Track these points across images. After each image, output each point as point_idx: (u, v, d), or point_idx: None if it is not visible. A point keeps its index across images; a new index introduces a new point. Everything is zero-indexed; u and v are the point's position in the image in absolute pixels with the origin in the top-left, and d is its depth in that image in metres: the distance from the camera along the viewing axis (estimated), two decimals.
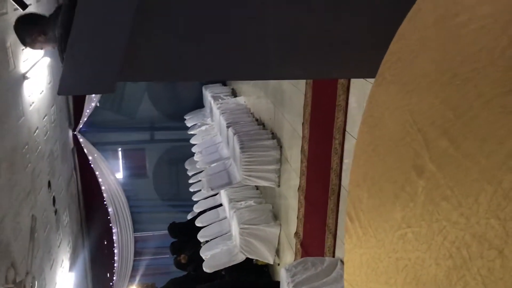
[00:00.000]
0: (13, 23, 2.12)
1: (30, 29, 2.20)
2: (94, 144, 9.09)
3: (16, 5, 1.69)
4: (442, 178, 0.96)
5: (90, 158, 8.92)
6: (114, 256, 9.50)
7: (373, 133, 1.28)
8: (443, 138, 0.96)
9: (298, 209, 4.78)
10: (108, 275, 9.51)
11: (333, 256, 3.70)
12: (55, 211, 6.77)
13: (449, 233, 0.95)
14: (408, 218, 1.11)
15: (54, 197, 6.74)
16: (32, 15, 2.23)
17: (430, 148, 1.02)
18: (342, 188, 3.64)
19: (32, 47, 2.27)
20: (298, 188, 4.71)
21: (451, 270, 0.93)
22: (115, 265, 9.55)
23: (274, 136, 5.62)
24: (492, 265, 0.87)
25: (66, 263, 7.34)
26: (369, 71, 1.63)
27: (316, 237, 4.14)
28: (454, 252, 0.94)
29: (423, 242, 1.05)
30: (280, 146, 5.39)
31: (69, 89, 1.73)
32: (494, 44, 0.83)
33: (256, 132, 5.69)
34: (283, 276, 3.54)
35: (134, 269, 9.95)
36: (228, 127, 5.96)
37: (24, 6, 1.73)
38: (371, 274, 1.34)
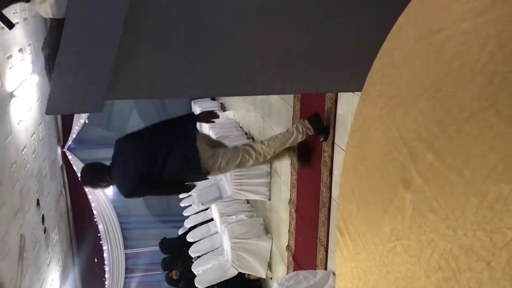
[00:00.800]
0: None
1: (95, 177, 3.39)
2: (83, 161, 9.02)
3: (2, 24, 1.69)
4: (429, 191, 0.97)
5: (79, 175, 8.84)
6: (105, 274, 9.39)
7: (360, 147, 1.29)
8: (428, 152, 0.98)
9: (290, 222, 4.77)
10: None
11: (325, 269, 3.70)
12: (44, 230, 6.70)
13: (438, 245, 0.96)
14: (397, 231, 1.12)
15: (43, 216, 6.67)
16: (97, 166, 3.50)
17: (416, 161, 1.03)
18: (332, 200, 3.65)
19: (94, 188, 3.71)
20: (289, 201, 4.72)
21: (441, 282, 0.94)
22: (106, 282, 9.43)
23: None
24: (480, 277, 0.88)
25: (56, 282, 7.24)
26: (355, 85, 1.65)
27: (308, 250, 4.13)
28: (443, 264, 0.95)
29: (412, 254, 1.06)
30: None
31: (57, 108, 1.73)
32: (474, 60, 0.85)
33: None
34: None
35: (126, 286, 9.82)
36: (217, 138, 5.96)
37: (10, 26, 1.72)
38: (363, 287, 1.34)
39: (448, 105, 0.91)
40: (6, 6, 1.74)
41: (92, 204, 9.06)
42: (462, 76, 0.88)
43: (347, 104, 3.29)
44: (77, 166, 8.85)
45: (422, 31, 1.01)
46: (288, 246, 4.84)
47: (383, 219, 1.18)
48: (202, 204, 5.81)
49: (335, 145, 3.51)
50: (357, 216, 1.36)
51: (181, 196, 8.19)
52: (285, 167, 4.82)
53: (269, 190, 5.46)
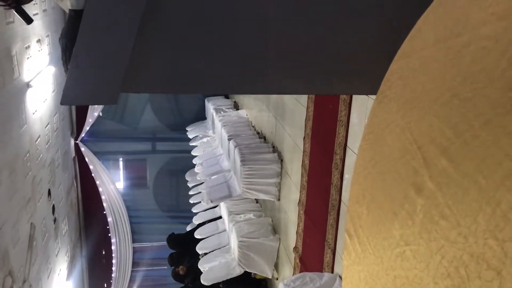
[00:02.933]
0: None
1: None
2: (96, 154, 9.10)
3: (21, 19, 1.70)
4: (441, 197, 0.96)
5: (91, 167, 8.93)
6: (112, 266, 9.46)
7: (373, 150, 1.28)
8: (442, 157, 0.97)
9: (298, 223, 4.76)
10: (106, 286, 9.46)
11: (332, 272, 3.68)
12: (54, 220, 6.76)
13: (447, 252, 0.95)
14: (407, 236, 1.11)
15: (53, 206, 6.73)
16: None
17: (429, 166, 1.02)
18: (342, 203, 3.63)
19: None
20: (298, 202, 4.70)
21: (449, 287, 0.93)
22: (112, 275, 9.50)
23: (275, 149, 5.63)
24: (490, 286, 0.86)
25: (63, 272, 7.31)
26: (371, 88, 1.64)
27: (315, 252, 4.12)
28: (452, 272, 0.93)
29: (421, 260, 1.05)
30: (281, 160, 5.39)
31: (72, 99, 1.74)
32: (494, 65, 0.84)
33: (257, 145, 5.70)
34: None
35: (132, 280, 9.89)
36: (229, 139, 5.97)
37: (29, 21, 1.73)
38: None
39: (464, 110, 0.90)
40: (28, 2, 1.76)
41: (103, 197, 9.13)
42: (480, 81, 0.86)
43: (361, 107, 3.27)
44: (89, 158, 8.93)
45: (441, 34, 1.00)
46: (295, 247, 4.82)
47: (393, 223, 1.16)
48: (211, 202, 5.82)
49: (347, 148, 3.49)
50: (367, 219, 1.34)
51: (190, 192, 8.23)
52: (295, 168, 4.81)
53: (279, 190, 5.45)
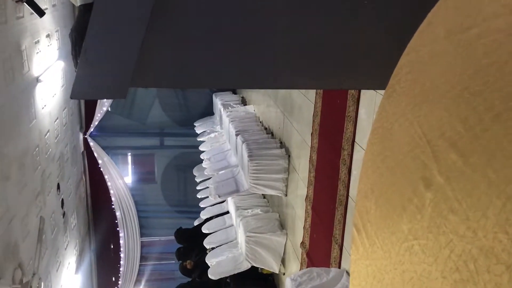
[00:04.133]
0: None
1: None
2: (104, 148, 9.15)
3: (33, 11, 1.72)
4: (450, 191, 0.95)
5: (99, 162, 8.98)
6: (120, 260, 9.52)
7: (382, 144, 1.27)
8: (451, 151, 0.96)
9: (305, 219, 4.76)
10: (114, 279, 9.53)
11: (339, 267, 3.68)
12: (63, 214, 6.82)
13: (456, 246, 0.94)
14: (415, 230, 1.10)
15: (62, 200, 6.79)
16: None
17: (438, 160, 1.02)
18: (349, 199, 3.62)
19: None
20: (306, 198, 4.70)
21: (458, 283, 0.92)
22: (121, 269, 9.57)
23: (282, 145, 5.62)
24: (499, 280, 0.86)
25: (72, 265, 7.37)
26: (380, 83, 1.63)
27: (322, 248, 4.12)
28: (461, 266, 0.93)
29: (430, 254, 1.04)
30: (288, 155, 5.39)
31: (81, 93, 1.75)
32: (506, 58, 0.83)
33: (265, 141, 5.70)
34: (288, 285, 3.52)
35: (140, 274, 9.95)
36: (237, 135, 5.98)
37: (41, 13, 1.75)
38: (377, 286, 1.33)
39: (475, 104, 0.89)
40: None
41: (111, 191, 9.18)
42: (491, 74, 0.86)
43: (370, 103, 3.26)
44: (98, 153, 8.98)
45: (452, 28, 0.99)
46: (302, 243, 4.83)
47: (401, 217, 1.16)
48: (219, 197, 5.83)
49: (355, 143, 3.48)
50: (375, 214, 1.34)
51: (198, 187, 8.26)
52: (303, 164, 4.81)
53: (286, 186, 5.45)
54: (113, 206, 9.27)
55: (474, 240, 0.89)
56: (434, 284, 1.03)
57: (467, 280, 0.91)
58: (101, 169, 9.02)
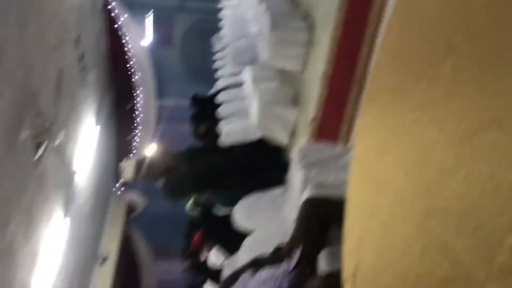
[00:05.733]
0: None
1: None
2: (125, 5, 8.90)
3: None
4: (472, 59, 0.90)
5: (119, 19, 8.81)
6: (137, 121, 9.82)
7: (410, 8, 1.18)
8: (481, 17, 0.89)
9: (320, 95, 4.75)
10: (131, 137, 9.92)
11: (347, 144, 3.75)
12: (83, 67, 6.87)
13: (468, 115, 0.92)
14: (428, 99, 1.07)
15: (82, 53, 6.79)
16: None
17: (468, 27, 0.95)
18: (368, 75, 3.56)
19: None
20: (323, 74, 4.63)
21: (463, 153, 0.91)
22: (137, 130, 9.91)
23: (307, 17, 5.39)
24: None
25: (91, 119, 7.63)
26: None
27: (333, 124, 4.17)
28: (471, 135, 0.91)
29: (439, 123, 1.02)
30: (312, 29, 5.19)
31: None
32: None
33: (289, 11, 5.46)
34: (294, 155, 3.62)
35: (155, 136, 10.33)
36: (260, 1, 5.71)
37: None
38: (380, 155, 1.34)
39: None
40: None
41: (130, 51, 9.14)
42: None
43: None
44: (118, 10, 8.76)
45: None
46: (313, 119, 4.87)
47: (416, 85, 1.12)
48: (236, 65, 5.77)
49: (381, 20, 3.32)
50: (389, 83, 1.30)
51: (216, 56, 8.15)
52: (325, 39, 4.65)
53: (305, 60, 5.34)
54: (131, 66, 9.30)
55: (489, 109, 0.86)
56: (439, 154, 1.02)
57: (475, 150, 0.89)
58: (121, 27, 8.88)
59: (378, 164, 1.31)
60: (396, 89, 1.22)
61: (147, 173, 4.51)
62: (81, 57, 6.71)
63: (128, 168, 4.53)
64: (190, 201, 7.67)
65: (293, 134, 5.73)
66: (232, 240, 5.18)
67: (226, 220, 5.87)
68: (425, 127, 1.03)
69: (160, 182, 4.57)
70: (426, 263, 1.02)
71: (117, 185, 10.35)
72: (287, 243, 2.99)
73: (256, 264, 3.04)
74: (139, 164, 4.55)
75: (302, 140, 5.42)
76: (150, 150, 8.56)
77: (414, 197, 1.07)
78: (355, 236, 1.52)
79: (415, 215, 1.04)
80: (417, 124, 1.07)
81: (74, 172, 6.71)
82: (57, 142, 4.76)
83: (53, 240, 5.31)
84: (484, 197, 0.83)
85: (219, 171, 4.65)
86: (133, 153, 9.79)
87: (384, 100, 1.32)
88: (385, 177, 1.23)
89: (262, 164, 4.88)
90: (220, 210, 5.99)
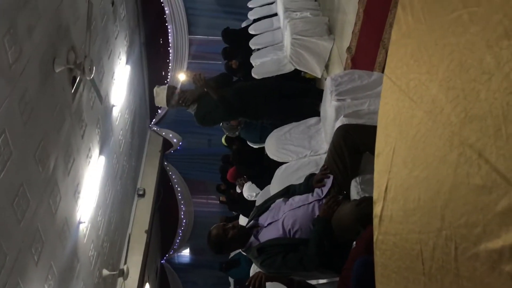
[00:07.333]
0: None
1: None
2: None
3: None
4: None
5: None
6: (169, 55, 9.77)
7: None
8: None
9: (355, 23, 4.55)
10: (163, 73, 9.93)
11: (382, 72, 3.61)
12: (112, 2, 6.79)
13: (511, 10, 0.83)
14: None
15: None
16: None
17: None
18: None
19: None
20: (359, 0, 4.41)
21: (503, 50, 0.84)
22: (169, 65, 9.89)
23: None
24: None
25: (123, 55, 7.63)
26: None
27: (369, 52, 4.01)
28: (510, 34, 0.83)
29: (478, 23, 0.94)
30: None
31: None
32: None
33: None
34: (327, 84, 3.54)
35: (188, 70, 10.28)
36: None
37: None
38: (413, 65, 1.26)
39: None
40: None
41: None
42: None
43: None
44: None
45: None
46: (349, 48, 4.70)
47: None
48: None
49: None
50: None
51: None
52: None
53: None
54: (161, 1, 9.14)
55: None
56: (475, 55, 0.95)
57: None
58: None
59: (411, 76, 1.23)
60: None
61: (179, 99, 4.52)
62: None
63: (161, 93, 4.55)
64: (224, 137, 7.75)
65: (328, 63, 5.58)
66: (263, 175, 5.23)
67: (258, 155, 5.91)
68: (466, 25, 0.95)
69: (193, 109, 4.58)
70: (462, 171, 0.97)
71: (152, 122, 10.53)
72: (320, 170, 2.99)
73: (289, 192, 3.07)
74: (172, 90, 4.56)
75: (337, 70, 5.28)
76: (181, 77, 8.57)
77: (450, 104, 1.01)
78: (386, 154, 1.48)
79: (452, 123, 0.99)
80: (458, 24, 0.98)
81: (112, 106, 6.83)
82: (91, 76, 4.78)
83: (91, 174, 5.50)
84: None
85: (252, 98, 4.60)
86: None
87: (419, 6, 1.22)
88: (420, 87, 1.16)
89: (295, 93, 4.80)
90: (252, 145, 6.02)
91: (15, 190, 3.52)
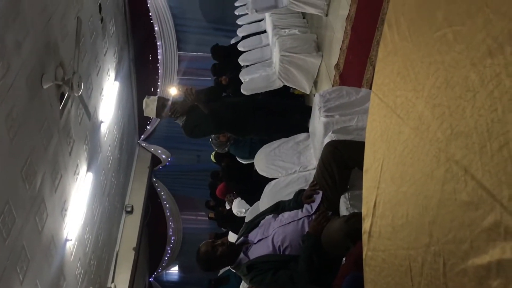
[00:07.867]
0: None
1: None
2: None
3: None
4: None
5: None
6: (158, 71, 9.78)
7: None
8: None
9: (343, 40, 4.61)
10: (152, 89, 9.93)
11: (370, 88, 3.65)
12: (101, 19, 6.80)
13: (494, 27, 0.85)
14: (452, 16, 1.00)
15: (100, 5, 6.71)
16: None
17: None
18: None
19: None
20: (347, 18, 4.48)
21: (487, 68, 0.86)
22: (158, 82, 9.89)
23: None
24: None
25: (112, 71, 7.63)
26: None
27: (357, 69, 4.06)
28: (495, 49, 0.85)
29: (462, 41, 0.96)
30: None
31: None
32: None
33: None
34: (316, 100, 3.56)
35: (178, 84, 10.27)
36: None
37: None
38: (400, 83, 1.28)
39: None
40: None
41: (148, 2, 9.00)
42: None
43: None
44: None
45: None
46: (337, 65, 4.76)
47: (439, 3, 1.05)
48: (256, 11, 5.63)
49: None
50: (410, 5, 1.22)
51: (236, 3, 7.97)
52: None
53: (328, 4, 5.17)
54: (151, 18, 9.18)
55: None
56: (461, 73, 0.96)
57: (498, 64, 0.83)
58: None
59: (398, 92, 1.25)
60: (419, 10, 1.14)
61: (169, 110, 4.53)
62: (99, 9, 6.63)
63: (151, 104, 4.55)
64: (213, 153, 7.74)
65: (316, 80, 5.63)
66: (253, 191, 5.23)
67: (247, 171, 5.90)
68: (451, 44, 0.97)
69: (181, 120, 4.58)
70: (449, 188, 0.98)
71: (141, 138, 10.48)
72: (309, 186, 2.99)
73: (278, 208, 3.07)
74: (162, 101, 4.57)
75: (325, 86, 5.33)
76: (172, 91, 8.57)
77: (436, 121, 1.02)
78: (375, 170, 1.49)
79: (439, 139, 1.00)
80: (443, 42, 1.00)
81: (101, 122, 6.79)
82: (79, 92, 4.77)
83: (79, 191, 5.45)
84: (510, 111, 0.77)
85: (241, 113, 4.62)
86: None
87: (405, 24, 1.24)
88: (406, 104, 1.18)
89: (284, 109, 4.82)
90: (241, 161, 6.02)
91: (0, 207, 3.47)
